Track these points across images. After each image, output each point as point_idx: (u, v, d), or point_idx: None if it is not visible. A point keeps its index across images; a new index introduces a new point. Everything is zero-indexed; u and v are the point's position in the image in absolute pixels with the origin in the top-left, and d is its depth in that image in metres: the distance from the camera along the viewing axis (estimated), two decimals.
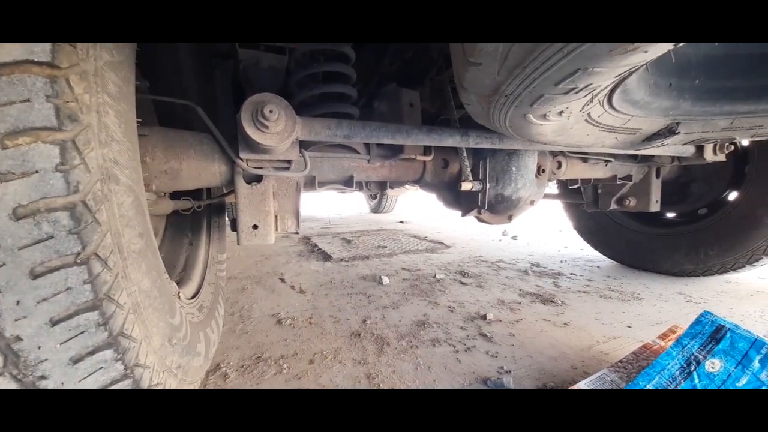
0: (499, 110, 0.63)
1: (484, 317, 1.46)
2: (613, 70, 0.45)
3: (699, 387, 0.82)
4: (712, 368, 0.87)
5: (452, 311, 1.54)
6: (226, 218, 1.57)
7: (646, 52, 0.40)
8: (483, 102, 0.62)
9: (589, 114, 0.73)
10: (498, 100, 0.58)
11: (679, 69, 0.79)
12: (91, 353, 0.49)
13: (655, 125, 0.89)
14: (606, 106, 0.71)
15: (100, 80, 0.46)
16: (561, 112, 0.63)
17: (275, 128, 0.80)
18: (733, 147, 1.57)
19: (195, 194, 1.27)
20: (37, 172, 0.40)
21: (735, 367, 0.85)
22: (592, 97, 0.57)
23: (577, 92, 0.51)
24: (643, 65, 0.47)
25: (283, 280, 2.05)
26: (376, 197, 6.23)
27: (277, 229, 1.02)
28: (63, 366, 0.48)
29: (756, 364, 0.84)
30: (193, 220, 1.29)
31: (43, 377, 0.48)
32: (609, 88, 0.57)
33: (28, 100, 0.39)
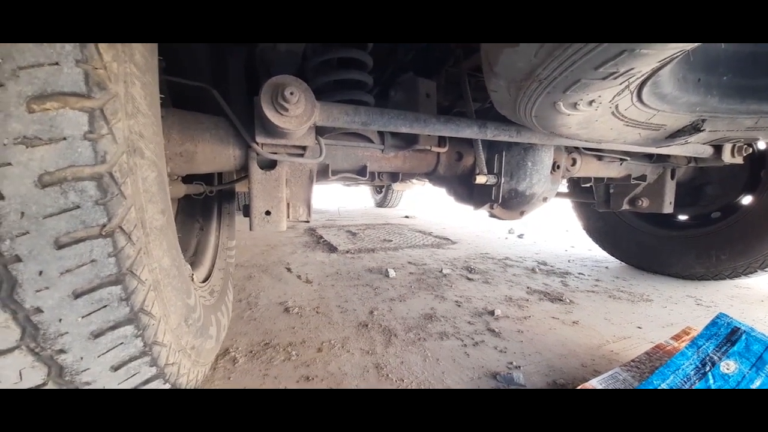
0: (528, 97, 0.62)
1: (491, 313, 1.45)
2: (661, 52, 0.43)
3: (714, 388, 0.82)
4: (727, 369, 0.86)
5: (459, 306, 1.54)
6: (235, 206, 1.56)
7: None
8: (513, 88, 0.61)
9: (616, 106, 0.71)
10: (530, 85, 0.56)
11: (708, 64, 0.77)
12: (113, 328, 0.48)
13: (681, 121, 0.87)
14: (635, 98, 0.69)
15: (128, 49, 0.45)
16: (592, 101, 0.61)
17: (295, 111, 0.78)
18: (750, 150, 1.54)
19: (206, 179, 1.26)
20: (65, 138, 0.39)
21: (749, 369, 0.85)
22: (628, 85, 0.55)
23: (615, 77, 0.50)
24: (689, 50, 0.45)
25: (289, 269, 2.04)
26: (381, 191, 6.21)
27: (289, 217, 1.01)
28: (83, 340, 0.47)
29: None
30: (204, 205, 1.28)
31: (62, 351, 0.48)
32: (645, 77, 0.55)
33: (57, 63, 0.38)
